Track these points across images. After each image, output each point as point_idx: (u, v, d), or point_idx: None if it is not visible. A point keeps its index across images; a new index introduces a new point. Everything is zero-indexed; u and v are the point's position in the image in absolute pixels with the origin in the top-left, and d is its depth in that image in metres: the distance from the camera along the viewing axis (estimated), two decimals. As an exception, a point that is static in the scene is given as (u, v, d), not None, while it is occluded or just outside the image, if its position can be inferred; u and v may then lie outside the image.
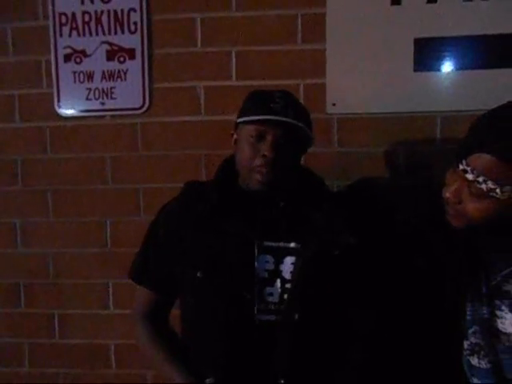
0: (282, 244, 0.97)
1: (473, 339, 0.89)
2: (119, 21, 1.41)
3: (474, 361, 0.90)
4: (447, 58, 1.30)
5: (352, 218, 1.09)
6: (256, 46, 1.35)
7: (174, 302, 1.07)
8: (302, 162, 1.32)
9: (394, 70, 1.31)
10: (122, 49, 1.41)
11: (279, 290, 0.94)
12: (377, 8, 1.29)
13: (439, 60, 1.30)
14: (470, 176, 0.77)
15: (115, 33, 1.41)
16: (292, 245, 0.97)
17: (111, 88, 1.42)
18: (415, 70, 1.30)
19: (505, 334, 0.85)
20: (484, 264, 0.89)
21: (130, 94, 1.42)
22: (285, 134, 0.92)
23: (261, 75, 1.35)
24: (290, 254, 0.96)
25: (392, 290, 1.12)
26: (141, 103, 1.42)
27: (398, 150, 1.33)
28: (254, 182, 0.94)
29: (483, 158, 0.75)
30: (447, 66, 1.30)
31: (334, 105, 1.34)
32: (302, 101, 1.32)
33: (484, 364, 0.88)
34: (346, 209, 1.11)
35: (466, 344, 0.90)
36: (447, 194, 0.83)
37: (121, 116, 1.44)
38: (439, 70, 1.30)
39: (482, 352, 0.88)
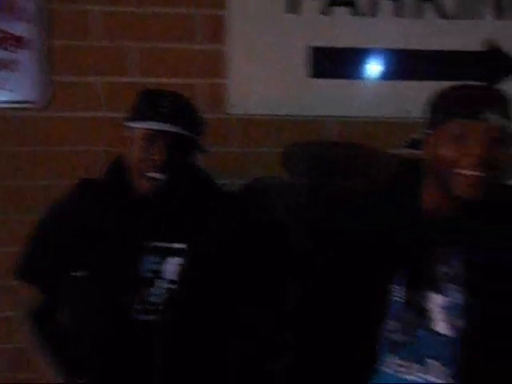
0: (167, 244, 0.99)
1: (401, 318, 0.95)
2: (12, 7, 1.33)
3: (397, 338, 0.96)
4: (340, 67, 1.39)
5: (242, 218, 1.14)
6: (156, 42, 1.34)
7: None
8: (202, 162, 1.36)
9: (290, 74, 1.37)
10: (13, 37, 1.34)
11: (162, 291, 0.96)
12: (273, 15, 1.34)
13: (333, 68, 1.38)
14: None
15: (7, 20, 1.33)
16: (178, 245, 0.98)
17: (3, 79, 1.35)
18: (310, 76, 1.37)
19: (428, 312, 0.93)
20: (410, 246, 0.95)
21: (24, 86, 1.35)
22: (172, 139, 0.94)
23: (161, 72, 1.35)
24: (176, 255, 0.98)
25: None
26: (36, 96, 1.36)
27: (292, 152, 1.39)
28: (144, 186, 0.96)
29: None
30: (340, 74, 1.39)
31: (234, 106, 1.37)
32: (202, 101, 1.36)
33: (406, 339, 0.94)
34: (237, 208, 1.15)
35: (392, 323, 0.95)
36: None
37: (14, 109, 1.37)
38: (333, 77, 1.38)
39: (406, 329, 0.94)
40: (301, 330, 1.13)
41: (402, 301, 0.94)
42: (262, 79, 1.37)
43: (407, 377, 0.97)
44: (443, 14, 1.39)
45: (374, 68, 1.39)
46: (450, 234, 0.94)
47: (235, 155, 1.38)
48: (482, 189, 0.87)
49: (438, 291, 0.94)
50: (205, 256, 0.98)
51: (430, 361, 0.96)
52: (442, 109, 0.92)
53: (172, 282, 0.96)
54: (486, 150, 0.84)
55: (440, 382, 0.95)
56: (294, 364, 1.15)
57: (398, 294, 0.94)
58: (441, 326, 0.94)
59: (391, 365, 0.97)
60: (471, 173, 0.85)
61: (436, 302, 0.94)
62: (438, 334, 0.94)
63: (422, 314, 0.94)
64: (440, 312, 0.94)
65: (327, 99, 1.37)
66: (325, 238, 1.13)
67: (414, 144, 1.05)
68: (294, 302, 1.41)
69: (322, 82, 1.37)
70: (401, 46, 1.38)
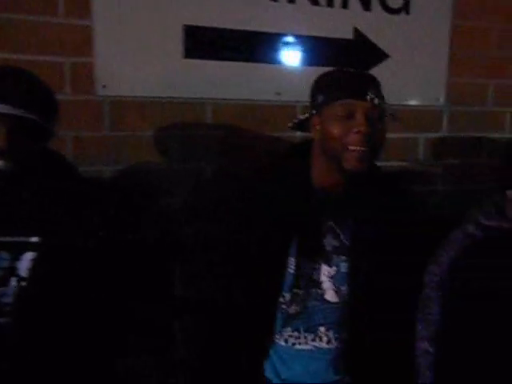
0: (20, 238, 0.91)
1: (294, 290, 0.98)
2: None
3: (290, 309, 1.00)
4: (217, 48, 1.36)
5: (117, 206, 1.08)
6: (13, 14, 1.20)
7: None
8: (71, 147, 1.27)
9: (164, 54, 1.31)
10: None
11: (15, 290, 0.88)
12: (145, -10, 1.27)
13: (208, 49, 1.35)
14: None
15: None
16: (33, 239, 0.91)
17: None
18: (185, 57, 1.33)
19: (318, 282, 1.00)
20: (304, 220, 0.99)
21: None
22: (15, 124, 0.85)
23: (18, 48, 1.21)
24: (31, 250, 0.90)
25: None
26: None
27: (170, 135, 1.35)
28: None
29: None
30: (216, 55, 1.36)
31: (104, 86, 1.28)
32: (68, 80, 1.26)
33: (299, 309, 0.99)
34: (108, 196, 1.09)
35: (287, 295, 0.99)
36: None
37: None
38: (208, 58, 1.36)
39: (300, 301, 0.99)
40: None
41: (294, 273, 0.99)
42: (135, 59, 1.29)
43: (302, 347, 1.03)
44: (315, 1, 1.43)
45: (248, 50, 1.38)
46: (339, 208, 1.01)
47: (108, 139, 1.31)
48: (368, 163, 0.95)
49: (327, 262, 1.01)
50: (61, 249, 0.92)
51: (321, 328, 1.02)
52: (325, 91, 0.97)
53: (23, 279, 0.89)
54: (370, 127, 0.92)
55: (330, 347, 1.02)
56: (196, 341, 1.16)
57: (292, 266, 0.99)
58: (329, 294, 1.02)
59: (286, 337, 1.03)
60: (359, 148, 0.92)
61: (325, 272, 1.01)
62: (328, 302, 1.02)
63: (313, 284, 1.00)
64: (329, 281, 1.01)
65: (203, 81, 1.35)
66: (219, 219, 1.13)
67: (299, 125, 1.09)
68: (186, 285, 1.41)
69: (197, 62, 1.34)
70: (274, 30, 1.40)
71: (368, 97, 0.93)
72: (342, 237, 1.02)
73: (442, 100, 1.64)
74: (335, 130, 0.93)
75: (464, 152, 1.71)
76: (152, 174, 1.34)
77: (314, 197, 1.00)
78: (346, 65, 1.46)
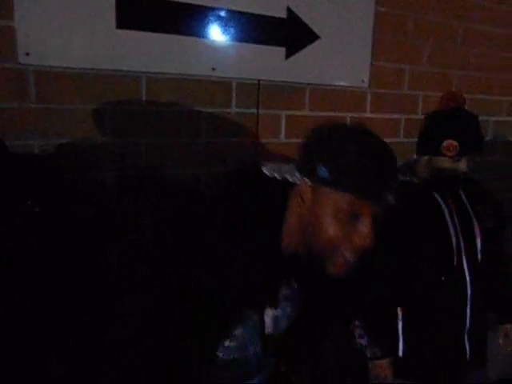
0: None
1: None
2: None
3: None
4: (152, 19, 1.32)
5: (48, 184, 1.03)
6: None
7: None
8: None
9: (95, 23, 1.24)
10: None
11: None
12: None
13: (143, 19, 1.31)
14: None
15: None
16: None
17: None
18: (118, 27, 1.27)
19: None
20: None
21: None
22: None
23: None
24: None
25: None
26: None
27: (103, 109, 1.29)
28: None
29: None
30: (151, 27, 1.32)
31: (27, 54, 1.19)
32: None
33: None
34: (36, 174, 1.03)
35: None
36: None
37: None
38: (144, 29, 1.31)
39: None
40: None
41: None
42: (62, 25, 1.21)
43: None
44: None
45: (183, 23, 1.36)
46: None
47: (34, 112, 1.22)
48: None
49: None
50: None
51: None
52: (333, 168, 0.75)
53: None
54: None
55: None
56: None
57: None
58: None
59: None
60: (353, 258, 0.76)
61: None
62: None
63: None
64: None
65: (137, 53, 1.30)
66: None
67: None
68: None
69: (130, 33, 1.29)
70: (209, 3, 1.38)
71: (379, 194, 0.75)
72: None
73: (366, 82, 1.75)
74: (330, 227, 0.74)
75: (385, 132, 1.86)
76: (83, 149, 1.28)
77: (281, 258, 0.83)
78: (279, 44, 1.52)
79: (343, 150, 0.75)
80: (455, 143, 1.35)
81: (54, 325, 1.00)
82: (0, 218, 0.88)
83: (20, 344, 0.92)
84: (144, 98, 1.35)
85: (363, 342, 1.43)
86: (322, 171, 0.75)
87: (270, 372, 1.04)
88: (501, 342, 1.58)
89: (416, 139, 1.54)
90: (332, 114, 1.70)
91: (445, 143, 1.36)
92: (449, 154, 1.36)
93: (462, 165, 1.38)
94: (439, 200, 1.43)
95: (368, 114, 1.80)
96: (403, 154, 1.88)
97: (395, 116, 1.87)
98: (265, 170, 0.84)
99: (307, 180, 0.78)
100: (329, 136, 0.78)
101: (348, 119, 1.75)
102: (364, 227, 0.74)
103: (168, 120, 1.39)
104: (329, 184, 0.75)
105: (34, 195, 0.95)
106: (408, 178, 1.29)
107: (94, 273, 1.17)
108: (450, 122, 1.39)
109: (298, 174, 0.80)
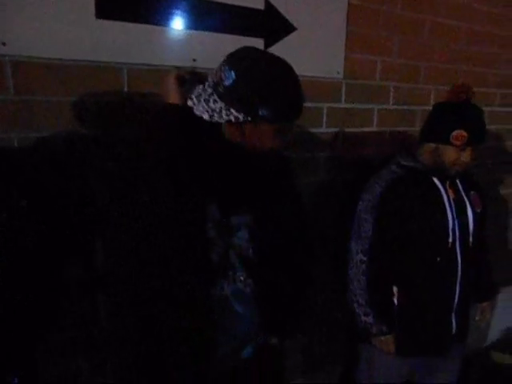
0: None
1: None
2: None
3: None
4: (132, 9, 1.31)
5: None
6: None
7: None
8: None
9: (74, 12, 1.22)
10: None
11: None
12: None
13: (123, 9, 1.29)
14: None
15: None
16: None
17: None
18: (97, 17, 1.26)
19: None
20: None
21: None
22: None
23: None
24: None
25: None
26: None
27: (83, 100, 1.28)
28: None
29: None
30: (131, 17, 1.31)
31: (4, 44, 1.16)
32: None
33: None
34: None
35: None
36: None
37: None
38: (124, 19, 1.30)
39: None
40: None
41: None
42: (40, 15, 1.18)
43: None
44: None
45: (163, 13, 1.35)
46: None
47: (12, 104, 1.19)
48: None
49: None
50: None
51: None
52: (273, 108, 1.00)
53: None
54: None
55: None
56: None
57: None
58: None
59: None
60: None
61: None
62: None
63: None
64: None
65: (116, 44, 1.29)
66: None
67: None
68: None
69: (110, 24, 1.28)
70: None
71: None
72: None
73: (340, 73, 1.80)
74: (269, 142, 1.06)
75: (359, 122, 1.92)
76: (64, 141, 1.26)
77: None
78: (257, 35, 1.55)
79: (279, 91, 0.99)
80: (465, 133, 1.41)
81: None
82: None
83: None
84: (125, 90, 1.34)
85: (369, 319, 1.50)
86: (263, 112, 0.98)
87: (258, 345, 1.13)
88: (477, 318, 1.75)
89: (388, 128, 1.61)
90: (308, 104, 1.74)
91: (454, 133, 1.42)
92: (457, 143, 1.42)
93: (466, 154, 1.45)
94: (439, 186, 1.51)
95: (343, 105, 1.85)
96: (376, 143, 1.97)
97: (369, 106, 1.94)
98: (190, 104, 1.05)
99: (249, 118, 0.99)
100: (263, 76, 0.99)
101: (324, 110, 1.80)
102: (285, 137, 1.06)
103: (148, 112, 1.39)
104: (269, 121, 1.00)
105: (19, 189, 0.94)
106: (411, 164, 1.51)
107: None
108: (461, 112, 1.46)
109: (234, 112, 0.99)
